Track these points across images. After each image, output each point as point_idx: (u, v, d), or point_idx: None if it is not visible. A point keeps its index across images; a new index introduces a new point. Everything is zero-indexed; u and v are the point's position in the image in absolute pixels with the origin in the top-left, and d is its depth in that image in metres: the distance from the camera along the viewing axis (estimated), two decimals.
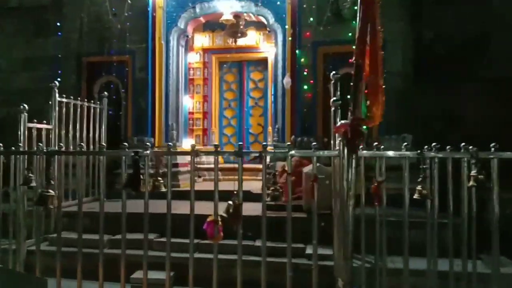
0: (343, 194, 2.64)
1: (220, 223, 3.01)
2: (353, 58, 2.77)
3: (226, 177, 8.19)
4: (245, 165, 7.71)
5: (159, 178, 3.20)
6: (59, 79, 7.35)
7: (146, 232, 3.28)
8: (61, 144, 5.33)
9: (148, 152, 3.21)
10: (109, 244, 5.12)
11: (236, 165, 3.12)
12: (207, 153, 3.04)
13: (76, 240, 3.41)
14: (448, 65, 6.76)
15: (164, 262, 3.29)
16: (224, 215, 3.02)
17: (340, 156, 2.79)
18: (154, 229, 4.59)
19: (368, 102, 2.80)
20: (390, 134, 6.53)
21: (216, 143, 9.45)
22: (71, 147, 6.04)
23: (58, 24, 7.71)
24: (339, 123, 2.83)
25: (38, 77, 7.77)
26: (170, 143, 3.11)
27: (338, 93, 5.06)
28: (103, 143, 6.73)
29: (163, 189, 3.18)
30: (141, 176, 3.15)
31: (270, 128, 8.88)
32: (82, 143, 5.81)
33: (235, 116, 9.43)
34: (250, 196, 6.51)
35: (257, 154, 3.02)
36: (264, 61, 9.05)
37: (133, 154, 3.16)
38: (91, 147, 6.46)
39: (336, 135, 3.08)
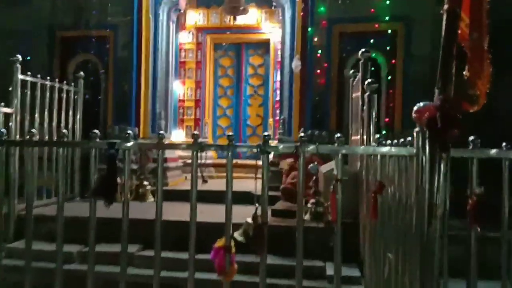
0: (422, 208, 1.73)
1: (233, 250, 2.04)
2: (445, 4, 1.77)
3: (221, 175, 7.25)
4: (242, 161, 6.83)
5: (145, 182, 2.20)
6: (27, 57, 6.34)
7: (125, 244, 2.29)
8: (33, 130, 4.33)
9: (129, 144, 2.20)
10: (79, 258, 4.11)
11: (236, 161, 2.18)
12: (218, 146, 2.04)
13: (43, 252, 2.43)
14: None
15: (147, 283, 2.43)
16: (241, 238, 2.04)
17: (419, 155, 1.85)
18: (135, 239, 3.60)
19: (467, 73, 1.85)
20: (413, 127, 5.62)
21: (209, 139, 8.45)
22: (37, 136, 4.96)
23: None
24: (420, 106, 1.89)
25: (2, 52, 6.58)
26: (161, 133, 2.10)
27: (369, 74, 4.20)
28: (78, 132, 5.73)
29: (150, 199, 2.18)
30: (118, 179, 2.15)
31: (271, 120, 7.92)
32: (64, 131, 4.80)
33: (231, 105, 8.42)
34: (250, 197, 5.58)
35: (291, 150, 2.05)
36: (265, 44, 8.05)
37: (107, 146, 2.15)
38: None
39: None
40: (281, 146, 2.22)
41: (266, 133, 2.14)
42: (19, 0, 6.57)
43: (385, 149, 2.08)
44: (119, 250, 2.39)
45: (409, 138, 2.79)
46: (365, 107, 3.88)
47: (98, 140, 2.22)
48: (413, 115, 1.91)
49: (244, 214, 2.40)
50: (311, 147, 2.02)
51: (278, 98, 7.38)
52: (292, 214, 4.76)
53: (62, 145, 2.41)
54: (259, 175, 7.22)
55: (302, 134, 2.04)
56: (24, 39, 6.41)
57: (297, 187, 2.10)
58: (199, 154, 2.22)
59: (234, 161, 2.29)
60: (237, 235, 2.07)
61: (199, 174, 7.12)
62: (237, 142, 8.51)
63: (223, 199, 2.28)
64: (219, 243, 2.07)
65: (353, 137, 4.87)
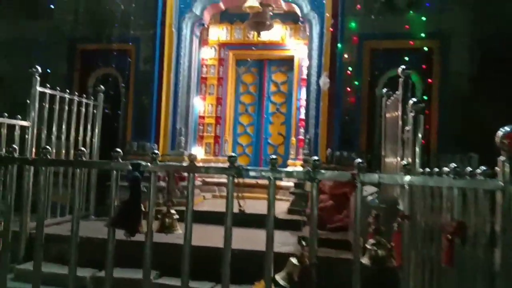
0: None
1: None
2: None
3: (245, 194, 6.90)
4: (263, 181, 6.48)
5: (172, 211, 1.89)
6: (47, 70, 6.22)
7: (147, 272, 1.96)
8: (47, 147, 4.12)
9: (155, 165, 1.90)
10: (92, 283, 3.83)
11: (250, 181, 1.89)
12: (259, 170, 1.70)
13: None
14: None
15: None
16: (284, 283, 1.70)
17: (507, 189, 1.51)
18: (153, 265, 3.28)
19: None
20: (452, 152, 5.23)
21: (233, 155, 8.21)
22: (54, 150, 4.77)
23: (50, 4, 6.46)
24: (507, 130, 1.55)
25: (22, 64, 6.47)
26: (191, 153, 1.80)
27: (409, 93, 3.88)
28: (95, 147, 5.52)
29: (178, 231, 1.87)
30: (142, 207, 1.84)
31: (293, 139, 7.60)
32: (82, 148, 4.62)
33: (252, 123, 8.14)
34: (275, 223, 5.22)
35: (346, 178, 1.72)
36: (289, 61, 7.80)
37: (131, 168, 1.86)
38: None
39: None
40: (331, 173, 1.88)
41: (315, 158, 1.81)
42: (40, 13, 6.50)
43: (462, 182, 1.72)
44: (135, 275, 2.06)
45: (454, 165, 2.43)
46: (407, 128, 3.56)
47: (120, 160, 1.92)
48: (501, 140, 1.57)
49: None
50: (371, 176, 1.69)
51: (302, 117, 7.08)
52: (320, 242, 4.41)
53: (79, 165, 2.13)
54: (281, 196, 6.83)
55: (359, 160, 1.71)
56: (44, 52, 6.30)
57: (352, 225, 1.75)
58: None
59: (254, 181, 1.98)
60: (279, 278, 1.72)
61: (217, 192, 6.86)
62: (258, 161, 8.19)
63: (242, 221, 1.94)
64: (258, 286, 1.72)
65: (387, 159, 4.51)
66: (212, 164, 7.81)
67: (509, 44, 5.24)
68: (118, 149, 1.98)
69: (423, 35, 5.36)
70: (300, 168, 6.59)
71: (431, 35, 5.36)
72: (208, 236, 3.60)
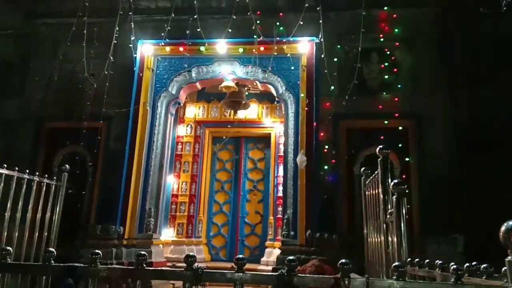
0: None
1: None
2: None
3: (213, 284, 6.29)
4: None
5: None
6: (11, 149, 5.93)
7: None
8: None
9: (96, 267, 1.56)
10: None
11: (228, 264, 1.53)
12: (223, 274, 1.36)
13: None
14: (499, 150, 5.50)
15: None
16: None
17: None
18: None
19: None
20: (437, 233, 5.00)
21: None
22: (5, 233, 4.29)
23: (23, 82, 6.36)
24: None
25: None
26: (140, 253, 1.48)
27: (389, 173, 3.73)
28: (55, 230, 5.01)
29: None
30: None
31: (271, 218, 7.25)
32: (51, 249, 4.21)
33: (228, 201, 7.81)
34: None
35: (328, 284, 1.42)
36: (266, 138, 7.77)
37: (65, 271, 1.50)
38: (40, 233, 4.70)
39: None
40: (310, 277, 1.57)
41: (291, 258, 1.51)
42: (11, 92, 6.37)
43: None
44: None
45: (454, 265, 2.19)
46: (390, 211, 3.35)
47: (52, 262, 1.57)
48: (506, 237, 1.33)
49: None
50: (358, 281, 1.40)
51: (280, 194, 6.83)
52: None
53: (2, 269, 1.74)
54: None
55: (344, 261, 1.43)
56: (10, 130, 6.07)
57: None
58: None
59: (230, 264, 1.63)
60: None
61: None
62: (234, 242, 7.69)
63: None
64: None
65: (369, 239, 4.22)
66: (185, 247, 7.26)
67: (485, 127, 5.33)
68: (51, 249, 1.62)
69: (397, 115, 5.42)
70: (278, 251, 6.15)
71: (405, 115, 5.44)
72: None
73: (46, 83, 6.14)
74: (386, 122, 5.37)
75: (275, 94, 6.20)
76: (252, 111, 7.51)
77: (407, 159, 5.30)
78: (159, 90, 6.22)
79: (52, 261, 1.64)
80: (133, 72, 6.07)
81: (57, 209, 5.12)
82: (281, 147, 6.96)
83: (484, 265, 1.66)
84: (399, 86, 5.59)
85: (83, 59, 5.88)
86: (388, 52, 5.74)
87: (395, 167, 5.26)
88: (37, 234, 4.77)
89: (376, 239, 3.84)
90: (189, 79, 6.30)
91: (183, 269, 1.59)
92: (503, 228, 1.36)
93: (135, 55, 6.07)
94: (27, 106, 6.13)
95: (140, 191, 5.82)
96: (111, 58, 5.83)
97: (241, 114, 7.40)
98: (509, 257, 1.33)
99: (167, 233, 7.15)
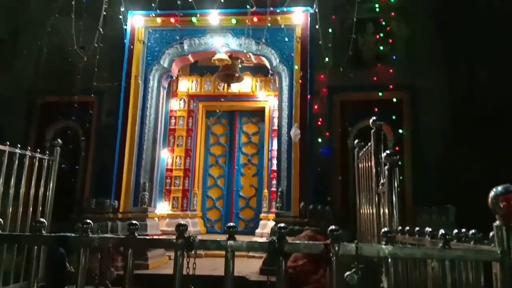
0: None
1: None
2: None
3: (208, 252, 6.41)
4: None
5: None
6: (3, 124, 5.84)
7: None
8: None
9: (88, 238, 1.55)
10: None
11: (224, 236, 1.54)
12: (215, 242, 1.36)
13: None
14: (493, 124, 5.50)
15: None
16: None
17: (505, 259, 1.26)
18: None
19: None
20: (429, 204, 5.07)
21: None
22: None
23: (12, 56, 6.21)
24: (501, 191, 1.33)
25: None
26: (131, 222, 1.48)
27: (382, 145, 3.73)
28: (48, 206, 5.01)
29: None
30: None
31: (266, 191, 7.30)
32: (41, 220, 4.20)
33: (222, 175, 7.84)
34: (245, 284, 4.76)
35: (318, 250, 1.43)
36: (260, 112, 7.72)
37: (53, 241, 1.50)
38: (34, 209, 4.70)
39: None
40: (300, 244, 1.58)
41: (282, 225, 1.53)
42: (0, 67, 6.21)
43: (454, 254, 1.46)
44: None
45: (443, 231, 2.23)
46: (382, 181, 3.38)
47: (44, 233, 1.57)
48: (494, 203, 1.34)
49: None
50: (348, 246, 1.42)
51: (274, 168, 6.86)
52: None
53: None
54: (253, 253, 6.34)
55: (333, 228, 1.44)
56: (1, 105, 5.96)
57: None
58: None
59: (225, 236, 1.64)
60: None
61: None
62: (229, 214, 7.78)
63: (214, 287, 1.60)
64: None
65: (362, 211, 4.28)
66: (180, 220, 7.34)
67: (480, 100, 5.31)
68: (42, 219, 1.62)
69: (391, 87, 5.38)
70: (272, 223, 6.24)
71: (399, 88, 5.39)
72: None
73: (36, 58, 6.00)
74: (380, 94, 5.33)
75: (269, 67, 6.11)
76: (246, 84, 7.43)
77: (400, 131, 5.30)
78: (151, 63, 6.11)
79: (43, 232, 1.64)
80: (124, 45, 5.94)
81: (51, 184, 5.10)
82: (275, 121, 6.93)
83: (473, 231, 1.68)
84: (394, 57, 5.52)
85: (72, 32, 5.73)
86: (384, 23, 5.64)
87: (388, 139, 5.28)
88: (31, 209, 4.77)
89: (368, 211, 3.89)
90: (181, 51, 6.17)
91: (175, 238, 1.59)
92: (491, 193, 1.37)
93: (125, 27, 5.93)
94: (17, 81, 6.00)
95: (134, 165, 5.81)
96: (101, 30, 5.68)
97: (235, 88, 7.32)
98: (497, 222, 1.34)
99: (163, 207, 7.20)
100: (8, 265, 4.42)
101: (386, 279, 1.46)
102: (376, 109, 5.07)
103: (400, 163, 5.32)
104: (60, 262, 1.47)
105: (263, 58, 6.10)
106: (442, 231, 1.46)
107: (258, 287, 4.72)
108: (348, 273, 1.41)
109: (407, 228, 2.76)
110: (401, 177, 5.25)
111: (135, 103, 5.93)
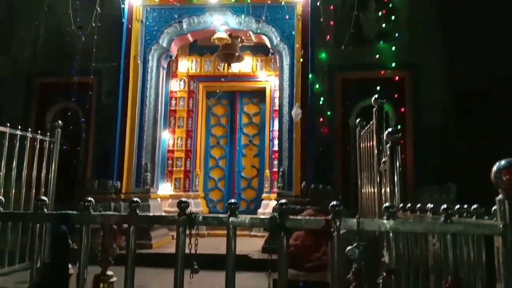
0: None
1: None
2: None
3: (211, 232, 6.48)
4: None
5: (109, 272, 1.54)
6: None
7: None
8: None
9: (89, 214, 1.56)
10: None
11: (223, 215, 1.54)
12: (216, 219, 1.36)
13: None
14: (494, 101, 5.45)
15: None
16: None
17: (507, 233, 1.26)
18: None
19: None
20: (430, 182, 5.07)
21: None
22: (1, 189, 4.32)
23: (8, 37, 6.12)
24: (504, 165, 1.32)
25: None
26: (133, 200, 1.48)
27: (384, 123, 3.70)
28: (51, 187, 5.03)
29: None
30: (70, 269, 1.48)
31: (267, 171, 7.32)
32: (43, 198, 4.24)
33: (224, 156, 7.84)
34: (248, 263, 4.82)
35: (319, 225, 1.44)
36: (261, 92, 7.66)
37: (55, 219, 1.50)
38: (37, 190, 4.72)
39: None
40: (301, 220, 1.58)
41: (283, 201, 1.53)
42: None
43: (455, 228, 1.45)
44: None
45: (430, 205, 2.26)
46: (383, 160, 3.36)
47: (45, 210, 1.57)
48: (497, 177, 1.33)
49: (241, 283, 1.71)
50: (349, 221, 1.42)
51: (275, 148, 6.85)
52: (297, 285, 4.05)
53: None
54: (255, 232, 6.40)
55: (335, 203, 1.44)
56: (0, 87, 5.91)
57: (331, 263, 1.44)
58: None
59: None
60: None
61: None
62: (231, 195, 7.82)
63: (216, 265, 1.62)
64: None
65: (363, 190, 4.29)
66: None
67: (481, 78, 5.24)
68: (44, 198, 1.62)
69: (393, 65, 5.31)
70: (274, 203, 6.28)
71: (401, 66, 5.32)
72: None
73: (33, 38, 5.94)
74: (382, 72, 5.27)
75: (269, 46, 6.03)
76: (247, 64, 7.34)
77: (402, 109, 5.26)
78: (150, 42, 6.03)
79: (45, 210, 1.64)
80: (122, 24, 5.85)
81: (53, 165, 5.11)
82: (277, 101, 6.89)
83: (475, 206, 1.68)
84: (396, 35, 5.43)
85: (69, 11, 5.64)
86: (386, 0, 5.52)
87: (390, 118, 5.25)
88: (34, 191, 4.79)
89: (370, 190, 3.89)
90: (180, 30, 6.08)
91: (177, 215, 1.60)
92: (494, 167, 1.36)
93: (123, 6, 5.82)
94: (15, 62, 5.95)
95: (135, 146, 5.82)
96: (98, 9, 5.58)
97: (235, 68, 7.24)
98: (500, 196, 1.34)
99: (165, 188, 7.24)
100: (13, 246, 4.50)
101: (387, 253, 1.46)
102: (378, 88, 5.02)
103: (401, 141, 5.34)
104: (63, 239, 1.47)
105: (264, 37, 6.01)
106: (444, 206, 1.46)
107: (261, 264, 4.83)
108: (349, 247, 1.41)
109: (409, 205, 2.76)
110: (402, 156, 5.28)
111: (134, 83, 5.88)
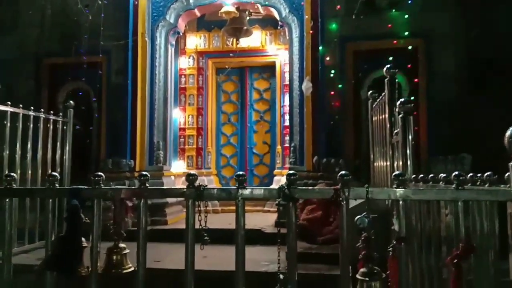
0: None
1: None
2: None
3: (225, 208, 6.57)
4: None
5: (121, 245, 1.57)
6: (12, 87, 5.83)
7: None
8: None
9: (100, 190, 1.58)
10: None
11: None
12: (224, 191, 1.37)
13: None
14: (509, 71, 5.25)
15: None
16: None
17: None
18: None
19: None
20: (444, 153, 4.99)
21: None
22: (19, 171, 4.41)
23: (14, 18, 6.11)
24: None
25: None
26: (142, 173, 1.48)
27: (396, 94, 3.62)
28: (66, 167, 5.13)
29: (129, 269, 1.54)
30: (84, 242, 1.51)
31: (279, 147, 7.31)
32: (54, 173, 4.32)
33: (235, 132, 7.83)
34: (261, 237, 4.89)
35: (328, 195, 1.42)
36: (270, 67, 7.55)
37: (66, 194, 1.53)
38: (52, 171, 4.78)
39: None
40: (309, 190, 1.57)
41: (291, 172, 1.51)
42: (4, 29, 6.13)
43: (468, 194, 1.43)
44: None
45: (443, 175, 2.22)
46: (396, 131, 3.30)
47: (57, 186, 1.59)
48: (510, 141, 1.28)
49: (253, 257, 1.74)
50: (358, 190, 1.40)
51: (287, 124, 6.81)
52: (310, 257, 4.09)
53: (8, 195, 1.76)
54: (268, 207, 6.45)
55: (343, 173, 1.42)
56: (9, 69, 5.94)
57: (340, 241, 1.44)
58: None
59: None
60: None
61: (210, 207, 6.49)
62: (243, 171, 7.87)
63: (229, 240, 1.64)
64: None
65: (376, 164, 4.25)
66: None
67: (495, 45, 5.04)
68: (55, 173, 1.64)
69: (406, 34, 5.15)
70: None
71: (415, 34, 5.15)
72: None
73: (40, 18, 5.90)
74: (394, 42, 5.11)
75: (278, 18, 5.90)
76: (255, 38, 7.21)
77: (416, 80, 5.13)
78: (157, 19, 5.96)
79: (57, 185, 1.66)
80: (128, 1, 5.77)
81: (67, 145, 5.19)
82: (287, 76, 6.79)
83: (488, 173, 1.63)
84: (409, 1, 5.22)
85: None
86: None
87: (403, 89, 5.12)
88: (49, 171, 4.88)
89: (382, 163, 3.85)
90: (186, 5, 5.98)
91: (185, 187, 1.60)
92: (508, 132, 1.31)
93: None
94: (22, 42, 5.95)
95: (147, 124, 5.85)
96: None
97: (244, 43, 7.12)
98: None
99: (178, 166, 7.30)
100: (32, 224, 4.64)
101: (397, 221, 1.45)
102: (390, 58, 4.89)
103: (415, 113, 5.22)
104: (75, 212, 1.50)
105: (272, 9, 5.87)
106: (456, 172, 1.43)
107: (273, 238, 4.87)
108: (358, 216, 1.40)
109: (421, 175, 2.72)
110: (416, 127, 5.19)
111: (143, 61, 5.86)
